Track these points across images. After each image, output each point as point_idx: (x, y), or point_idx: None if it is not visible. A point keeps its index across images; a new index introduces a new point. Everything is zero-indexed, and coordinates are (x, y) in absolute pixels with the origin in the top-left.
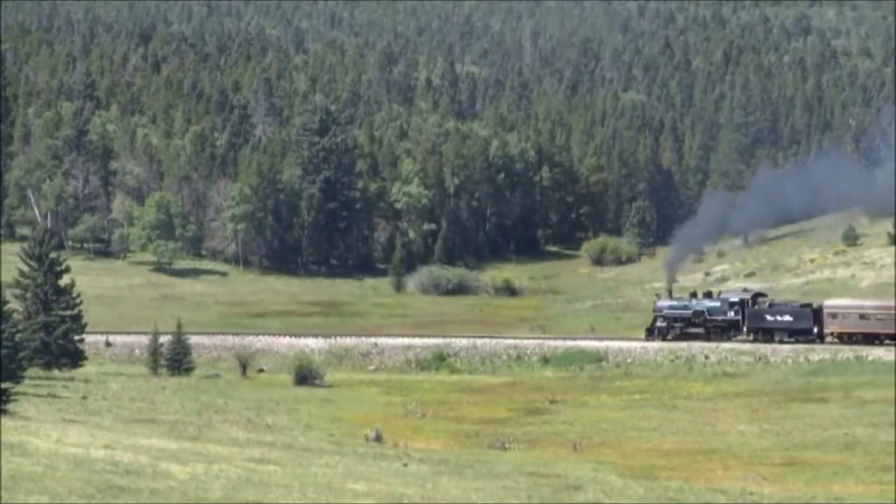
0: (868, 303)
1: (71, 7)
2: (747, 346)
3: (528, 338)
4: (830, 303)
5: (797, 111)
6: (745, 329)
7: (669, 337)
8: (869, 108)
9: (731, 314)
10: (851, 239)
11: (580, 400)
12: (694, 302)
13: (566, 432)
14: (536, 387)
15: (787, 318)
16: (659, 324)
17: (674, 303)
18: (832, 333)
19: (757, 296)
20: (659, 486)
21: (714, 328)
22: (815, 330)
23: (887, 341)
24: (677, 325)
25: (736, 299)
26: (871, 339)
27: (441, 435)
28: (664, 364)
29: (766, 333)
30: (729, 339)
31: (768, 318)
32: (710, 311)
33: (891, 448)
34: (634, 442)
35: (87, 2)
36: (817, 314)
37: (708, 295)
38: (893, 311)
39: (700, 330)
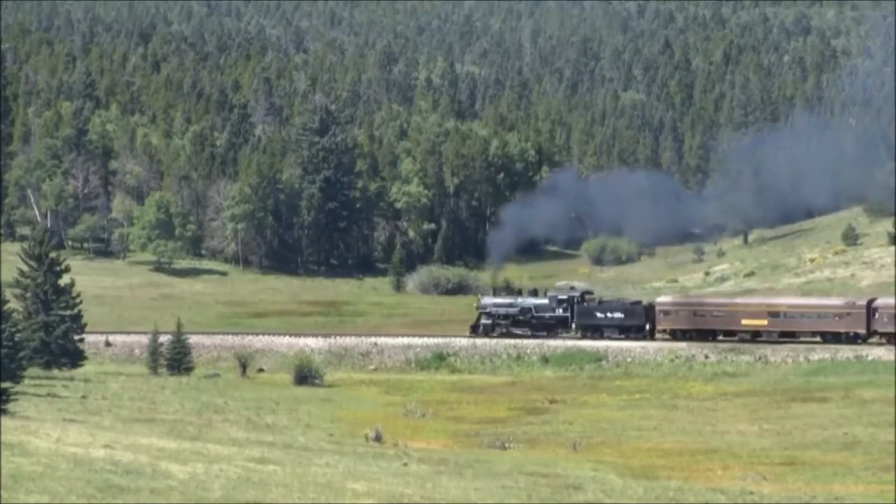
0: (702, 300)
1: (71, 7)
2: (747, 346)
3: (528, 337)
4: (662, 300)
5: (797, 111)
6: (573, 326)
7: (494, 334)
8: (869, 107)
9: (560, 311)
10: (851, 239)
11: (580, 400)
12: (520, 300)
13: (566, 432)
14: (536, 386)
15: (618, 315)
16: (484, 321)
17: (499, 300)
18: (664, 330)
19: (585, 293)
20: (659, 485)
21: (541, 325)
22: (647, 327)
23: (721, 337)
24: (503, 322)
25: (564, 297)
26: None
27: (441, 434)
28: (664, 364)
29: (595, 330)
30: (556, 337)
31: (598, 315)
32: (538, 308)
33: (891, 448)
34: (634, 442)
35: (87, 1)
36: (648, 311)
37: (534, 293)
38: (728, 307)
39: (526, 328)
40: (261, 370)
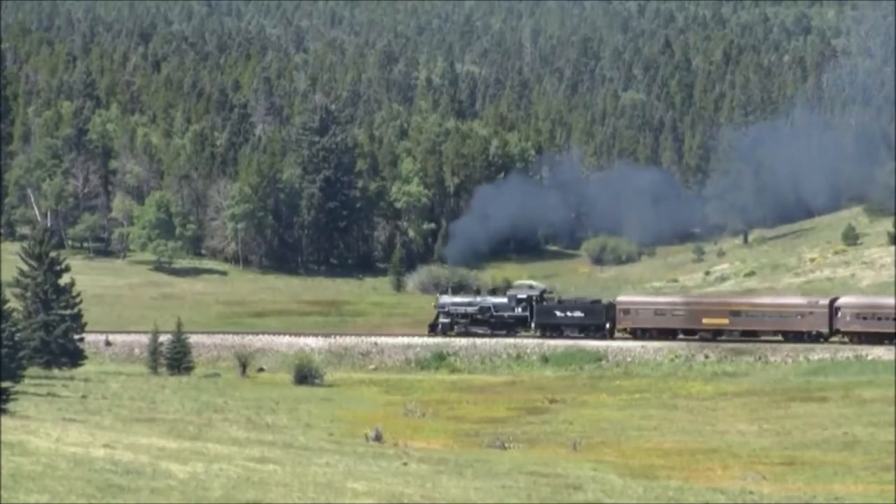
0: (662, 298)
1: (71, 6)
2: (747, 346)
3: (528, 337)
4: (623, 299)
5: (797, 111)
6: (533, 325)
7: (452, 333)
8: (869, 107)
9: (519, 310)
10: (851, 238)
11: (580, 399)
12: (479, 298)
13: (566, 432)
14: (536, 386)
15: (578, 314)
16: (442, 320)
17: (458, 299)
18: (625, 329)
19: (544, 292)
20: (658, 485)
21: (501, 324)
22: (607, 326)
23: (681, 336)
24: (462, 320)
25: (523, 296)
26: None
27: (441, 434)
28: (664, 363)
29: (555, 329)
30: (515, 335)
31: (558, 314)
32: (497, 307)
33: (891, 447)
34: (634, 441)
35: (87, 1)
36: (609, 310)
37: (493, 292)
38: (689, 306)
39: (486, 327)
40: (261, 370)
